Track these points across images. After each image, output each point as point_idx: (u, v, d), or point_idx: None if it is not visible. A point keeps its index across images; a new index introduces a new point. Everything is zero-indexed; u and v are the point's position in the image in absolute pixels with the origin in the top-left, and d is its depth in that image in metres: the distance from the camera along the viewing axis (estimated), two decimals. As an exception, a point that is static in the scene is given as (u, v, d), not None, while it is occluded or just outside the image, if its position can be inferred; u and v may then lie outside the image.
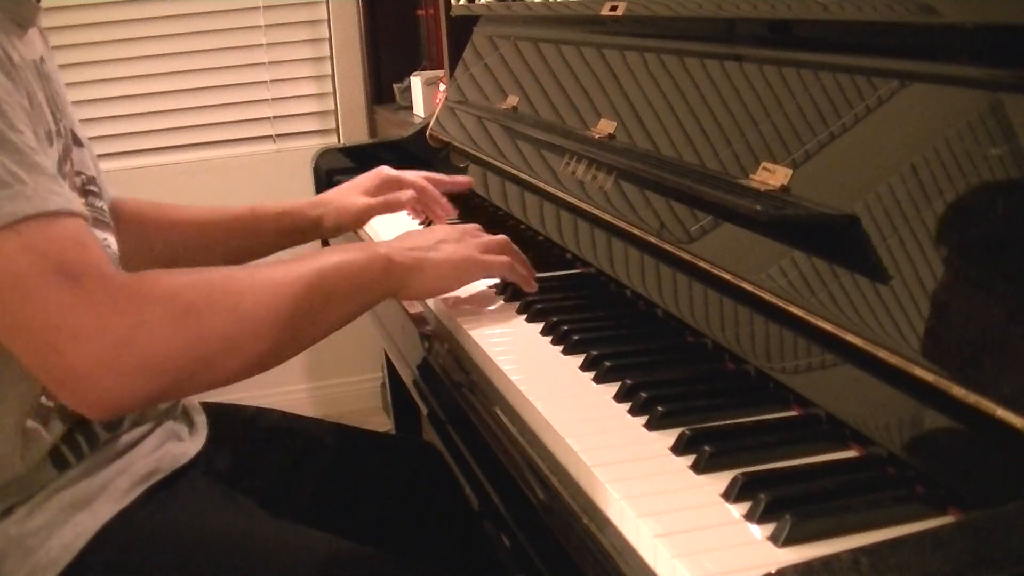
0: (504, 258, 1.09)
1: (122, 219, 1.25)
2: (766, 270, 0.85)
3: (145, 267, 1.20)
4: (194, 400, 1.20)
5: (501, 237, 1.12)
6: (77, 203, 0.88)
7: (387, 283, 1.01)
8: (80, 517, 0.95)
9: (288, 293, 0.92)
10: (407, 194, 1.39)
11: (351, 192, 1.38)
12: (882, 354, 0.71)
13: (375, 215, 1.39)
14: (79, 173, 1.08)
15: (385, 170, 1.42)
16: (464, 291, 1.13)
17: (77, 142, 1.09)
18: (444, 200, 1.45)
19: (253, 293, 0.90)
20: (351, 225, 1.37)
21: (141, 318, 0.83)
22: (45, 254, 0.82)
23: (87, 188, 1.08)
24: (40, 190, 0.84)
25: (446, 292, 1.10)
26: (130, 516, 0.98)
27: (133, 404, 0.88)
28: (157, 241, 1.29)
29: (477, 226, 1.15)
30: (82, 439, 0.99)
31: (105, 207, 1.12)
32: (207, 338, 0.86)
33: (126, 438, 1.03)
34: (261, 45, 2.78)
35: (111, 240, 1.09)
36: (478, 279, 1.11)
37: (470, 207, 1.56)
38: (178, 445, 1.09)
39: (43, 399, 0.95)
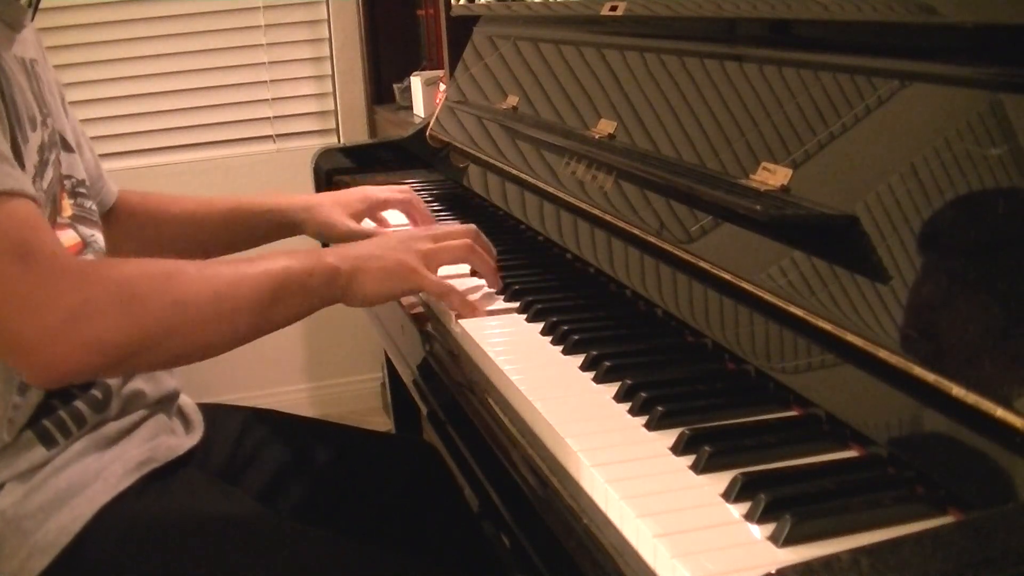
0: (437, 281, 1.07)
1: (122, 212, 1.30)
2: (766, 270, 0.85)
3: (136, 255, 1.24)
4: (190, 399, 1.21)
5: (458, 245, 1.10)
6: (29, 185, 0.93)
7: (331, 290, 1.03)
8: (76, 501, 0.98)
9: (233, 290, 0.96)
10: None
11: (337, 210, 1.37)
12: (882, 354, 0.71)
13: (355, 241, 1.40)
14: (68, 176, 1.10)
15: (372, 194, 1.42)
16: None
17: (67, 147, 1.11)
18: (429, 214, 1.44)
19: (198, 286, 0.95)
20: (331, 241, 1.36)
21: (88, 299, 0.89)
22: (1, 233, 0.87)
23: (76, 191, 1.11)
24: None
25: (386, 300, 1.09)
26: (126, 502, 1.00)
27: (77, 375, 0.95)
28: (151, 233, 1.34)
29: (449, 230, 1.14)
30: (66, 416, 1.01)
31: (94, 207, 1.15)
32: (150, 323, 0.91)
33: (116, 425, 1.05)
34: (261, 45, 2.78)
35: (98, 236, 1.13)
36: (414, 292, 1.11)
37: (470, 207, 1.56)
38: (172, 438, 1.11)
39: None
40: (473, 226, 1.14)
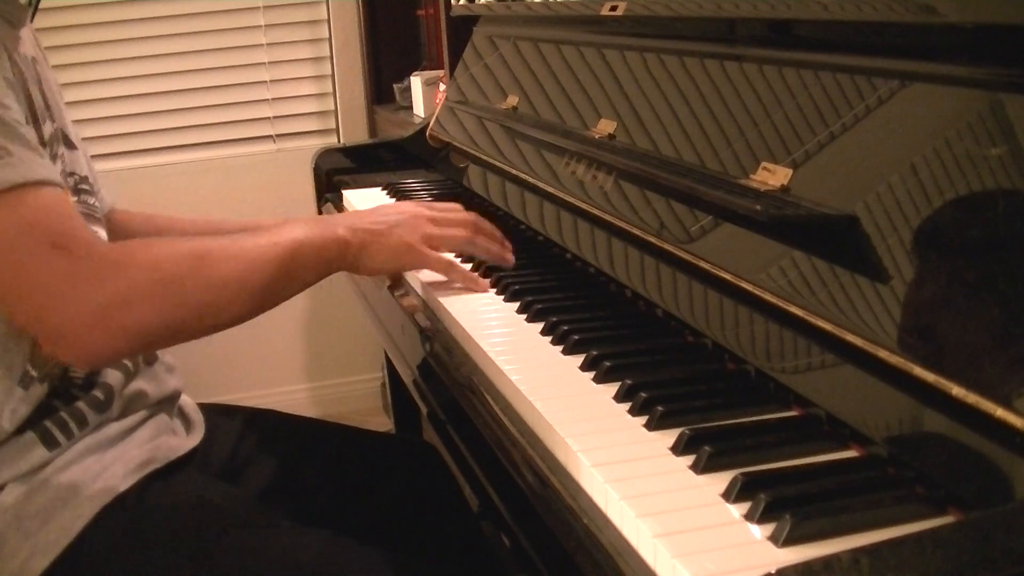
0: (440, 258, 1.13)
1: (116, 232, 1.28)
2: (766, 270, 0.85)
3: None
4: (191, 400, 1.21)
5: (459, 236, 1.15)
6: (58, 174, 0.96)
7: (342, 260, 1.08)
8: (77, 501, 0.98)
9: (257, 265, 1.01)
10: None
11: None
12: (882, 354, 0.71)
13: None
14: (72, 173, 1.11)
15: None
16: (464, 291, 1.13)
17: (69, 144, 1.12)
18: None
19: (228, 265, 0.99)
20: None
21: (127, 284, 0.92)
22: (35, 225, 0.90)
23: (79, 187, 1.13)
24: (26, 160, 0.91)
25: (391, 272, 1.19)
26: (128, 502, 1.00)
27: (116, 358, 1.03)
28: None
29: (450, 207, 1.20)
30: (68, 416, 1.02)
31: (97, 204, 1.16)
32: (185, 305, 0.96)
33: (116, 426, 1.05)
34: (261, 45, 2.78)
35: (102, 234, 1.13)
36: (418, 268, 1.17)
37: (470, 207, 1.56)
38: (174, 438, 1.11)
39: (29, 368, 0.99)
40: (473, 214, 1.20)
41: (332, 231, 1.07)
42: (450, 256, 1.18)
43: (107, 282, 0.91)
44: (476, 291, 1.14)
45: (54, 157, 1.03)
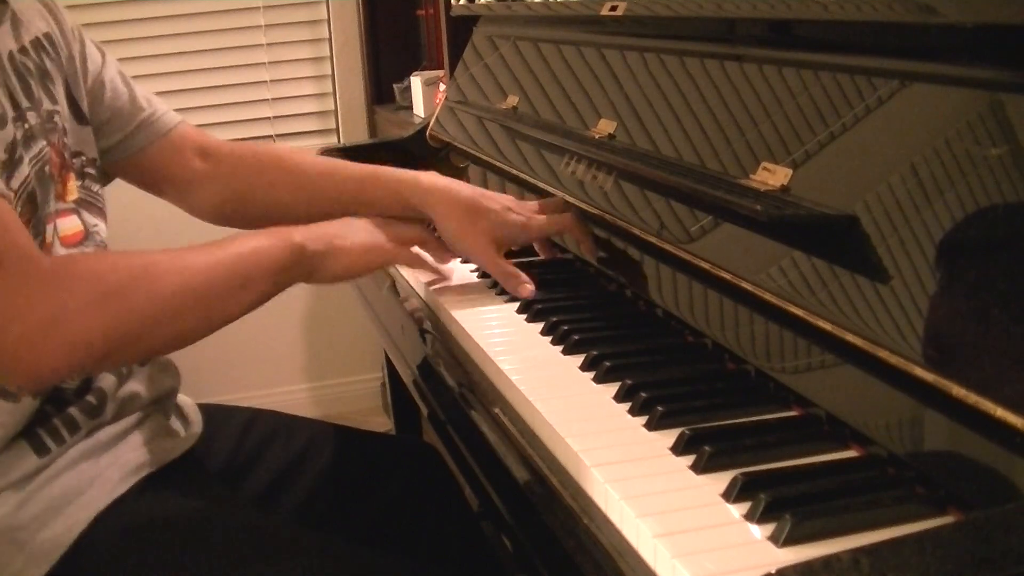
0: (409, 251, 1.13)
1: (232, 159, 1.26)
2: (766, 270, 0.85)
3: (245, 210, 1.24)
4: (188, 398, 1.21)
5: (414, 230, 1.15)
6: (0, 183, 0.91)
7: (300, 268, 1.03)
8: (71, 509, 0.97)
9: (206, 278, 0.96)
10: (526, 290, 1.11)
11: (479, 237, 1.14)
12: (882, 354, 0.71)
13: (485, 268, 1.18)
14: (78, 154, 1.07)
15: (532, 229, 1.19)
16: (464, 291, 1.14)
17: (82, 120, 1.09)
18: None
19: (172, 277, 0.94)
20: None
21: (65, 301, 0.87)
22: None
23: (85, 171, 1.09)
24: None
25: (356, 277, 1.16)
26: (124, 506, 0.99)
27: (58, 377, 0.95)
28: (263, 184, 1.27)
29: (411, 226, 1.16)
30: (59, 423, 0.99)
31: (101, 192, 1.12)
32: (128, 319, 0.90)
33: (111, 429, 1.04)
34: (261, 45, 2.78)
35: (101, 227, 1.10)
36: (386, 266, 1.18)
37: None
38: (169, 440, 1.10)
39: None
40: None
41: (288, 238, 1.03)
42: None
43: (44, 298, 0.86)
44: (447, 277, 1.18)
45: (17, 161, 0.97)
